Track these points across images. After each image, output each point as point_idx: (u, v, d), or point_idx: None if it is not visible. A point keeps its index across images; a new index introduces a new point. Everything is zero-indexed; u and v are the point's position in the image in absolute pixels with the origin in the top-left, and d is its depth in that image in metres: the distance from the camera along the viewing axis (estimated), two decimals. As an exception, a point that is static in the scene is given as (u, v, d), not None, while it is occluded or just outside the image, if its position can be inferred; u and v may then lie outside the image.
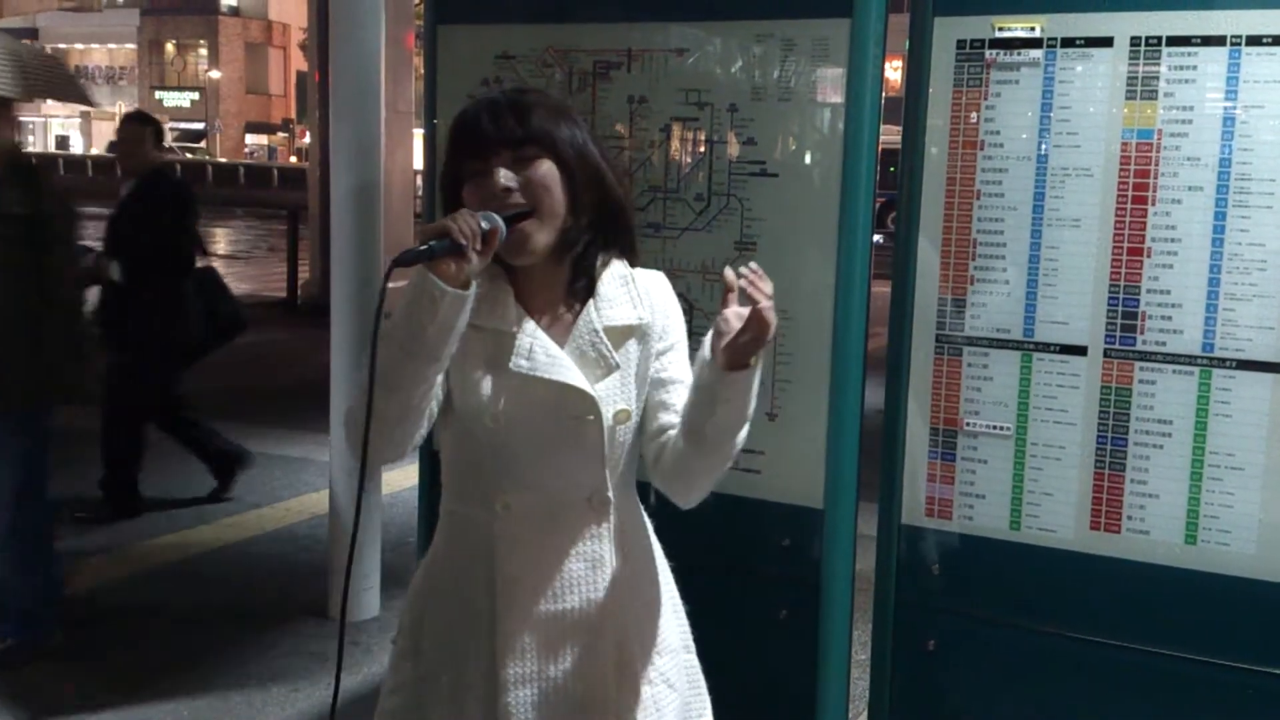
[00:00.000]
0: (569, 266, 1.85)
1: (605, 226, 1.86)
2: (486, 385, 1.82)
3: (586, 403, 1.81)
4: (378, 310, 1.69)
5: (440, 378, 1.78)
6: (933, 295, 2.56)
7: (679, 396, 1.87)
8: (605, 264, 1.87)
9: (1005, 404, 2.52)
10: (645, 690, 1.88)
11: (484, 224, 1.70)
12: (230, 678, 4.03)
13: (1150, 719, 2.46)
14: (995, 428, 2.53)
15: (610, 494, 1.87)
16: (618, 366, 1.84)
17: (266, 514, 5.81)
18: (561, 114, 1.84)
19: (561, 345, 1.83)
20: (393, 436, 1.77)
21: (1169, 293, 2.37)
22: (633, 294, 1.88)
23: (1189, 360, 2.37)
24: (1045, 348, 2.47)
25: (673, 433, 1.86)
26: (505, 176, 1.77)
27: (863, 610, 2.73)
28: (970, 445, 2.56)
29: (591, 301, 1.85)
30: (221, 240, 21.72)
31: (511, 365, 1.80)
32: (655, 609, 1.95)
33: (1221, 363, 2.34)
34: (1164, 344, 2.38)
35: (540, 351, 1.80)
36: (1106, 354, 2.43)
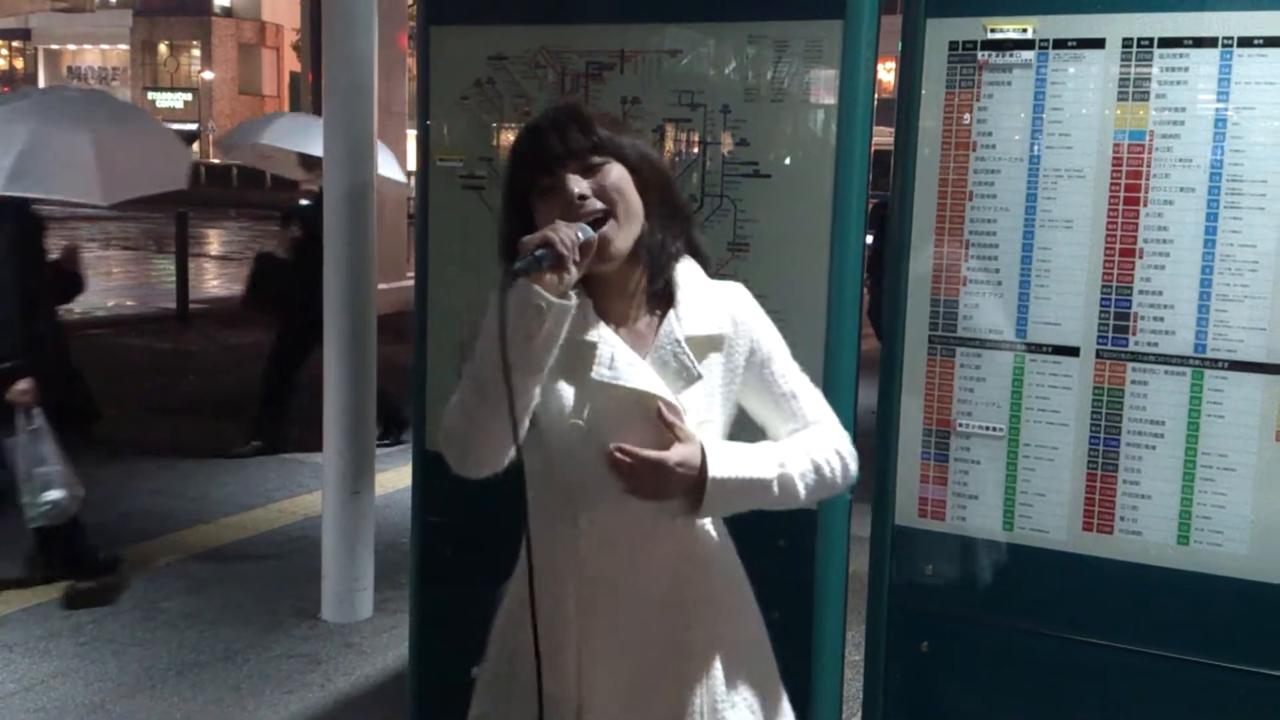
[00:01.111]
0: (645, 270, 1.85)
1: (675, 229, 1.88)
2: (569, 395, 1.81)
3: (670, 412, 1.80)
4: (501, 324, 1.67)
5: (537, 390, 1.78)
6: (925, 296, 2.56)
7: (803, 405, 1.94)
8: (682, 271, 1.88)
9: (998, 405, 2.52)
10: (730, 716, 1.88)
11: (581, 235, 1.72)
12: (223, 679, 4.02)
13: (1142, 719, 2.46)
14: (988, 428, 2.53)
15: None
16: (700, 377, 1.84)
17: (259, 515, 5.81)
18: (618, 124, 1.88)
19: (642, 355, 1.82)
20: (503, 446, 1.77)
21: (1161, 294, 2.37)
22: (713, 305, 1.88)
23: (1181, 361, 2.37)
24: (1038, 348, 2.48)
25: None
26: (579, 184, 1.77)
27: (856, 611, 2.73)
28: (963, 446, 2.56)
29: (672, 311, 1.85)
30: (214, 241, 21.70)
31: (594, 374, 1.79)
32: (741, 632, 1.94)
33: (1213, 363, 2.35)
34: (1156, 345, 2.39)
35: (622, 360, 1.80)
36: (1099, 355, 2.43)
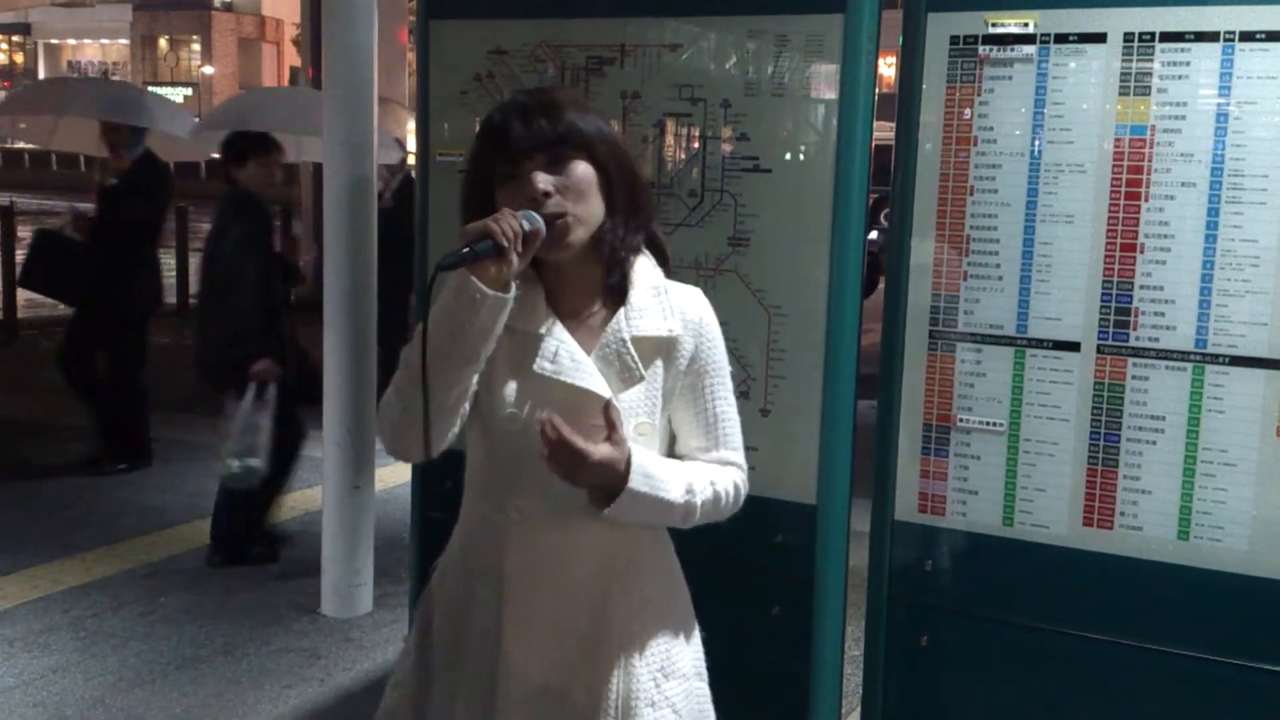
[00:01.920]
0: (603, 264, 1.83)
1: (636, 224, 1.85)
2: (510, 387, 1.81)
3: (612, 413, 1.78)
4: (424, 312, 1.69)
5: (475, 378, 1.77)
6: (926, 291, 2.55)
7: (722, 433, 1.91)
8: (640, 270, 1.86)
9: (998, 400, 2.51)
10: (648, 714, 1.85)
11: (525, 225, 1.70)
12: (223, 673, 4.02)
13: (1143, 715, 2.46)
14: (988, 424, 2.53)
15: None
16: (642, 379, 1.82)
17: (260, 510, 5.80)
18: (592, 113, 1.84)
19: (589, 351, 1.81)
20: (440, 434, 1.77)
21: (1162, 289, 2.37)
22: (665, 306, 1.85)
23: (1182, 356, 2.37)
24: (1038, 344, 2.47)
25: None
26: (543, 180, 1.75)
27: (856, 606, 2.73)
28: (963, 441, 2.56)
29: (623, 310, 1.83)
30: (215, 236, 21.66)
31: (535, 367, 1.78)
32: (667, 631, 1.91)
33: (1214, 359, 2.34)
34: (1157, 340, 2.38)
35: (565, 355, 1.79)
36: (1099, 350, 2.43)
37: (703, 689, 1.98)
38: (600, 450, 1.70)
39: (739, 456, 1.94)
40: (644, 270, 1.87)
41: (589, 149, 1.79)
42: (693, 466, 1.88)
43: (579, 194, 1.77)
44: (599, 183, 1.79)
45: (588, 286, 1.85)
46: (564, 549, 1.84)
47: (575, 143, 1.78)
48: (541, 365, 1.78)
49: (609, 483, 1.73)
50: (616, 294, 1.84)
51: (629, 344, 1.81)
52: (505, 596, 1.83)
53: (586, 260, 1.82)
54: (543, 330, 1.80)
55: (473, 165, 1.84)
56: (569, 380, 1.78)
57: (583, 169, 1.78)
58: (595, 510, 1.75)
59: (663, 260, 1.91)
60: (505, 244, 1.66)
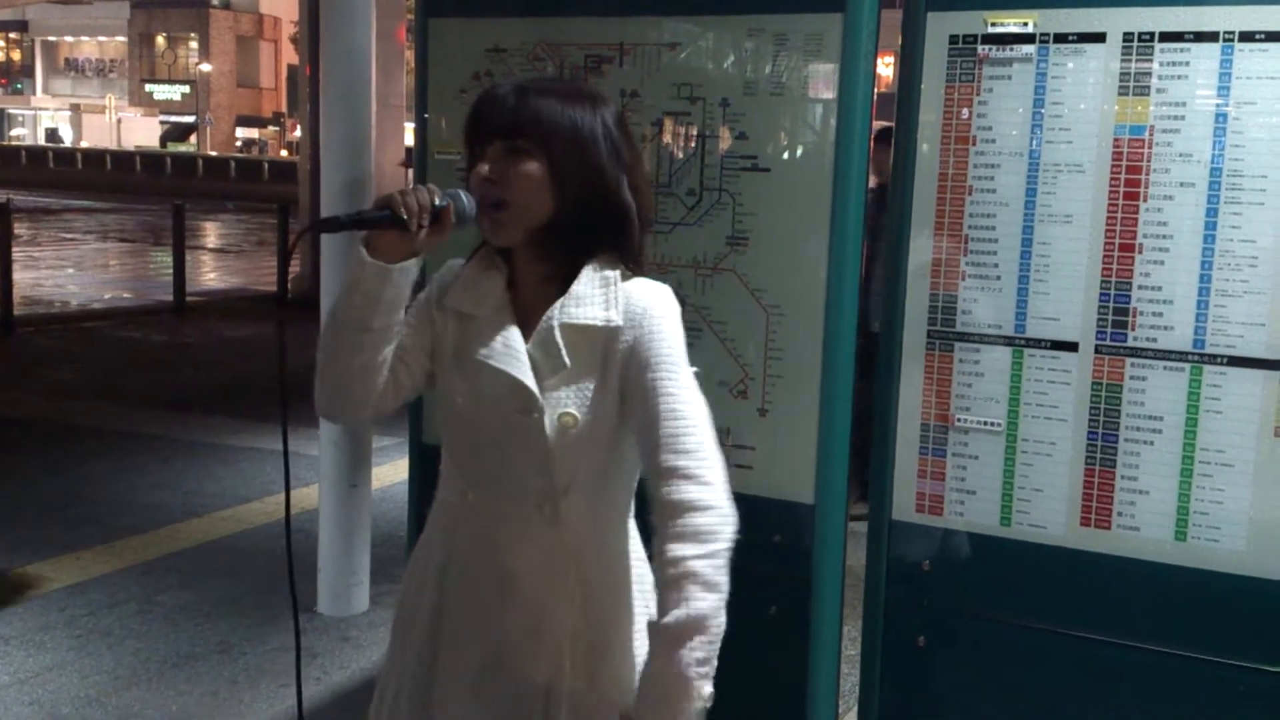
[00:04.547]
0: (550, 261, 1.81)
1: (598, 227, 1.79)
2: (456, 371, 1.84)
3: (527, 399, 1.76)
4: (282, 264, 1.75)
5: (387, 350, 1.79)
6: (924, 290, 2.55)
7: (681, 427, 1.69)
8: (593, 264, 1.79)
9: (996, 400, 2.51)
10: (565, 701, 1.81)
11: (438, 201, 1.69)
12: (219, 672, 4.02)
13: (1140, 715, 2.46)
14: (986, 424, 2.53)
15: (563, 506, 1.80)
16: (565, 366, 1.77)
17: (256, 508, 5.80)
18: (575, 106, 1.78)
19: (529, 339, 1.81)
20: (345, 397, 1.83)
21: (1160, 289, 2.37)
22: (609, 297, 1.77)
23: (1180, 356, 2.37)
24: (1036, 344, 2.47)
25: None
26: (485, 167, 1.76)
27: (853, 606, 2.73)
28: (961, 441, 2.55)
29: (560, 299, 1.78)
30: (211, 234, 21.69)
31: (472, 351, 1.81)
32: (611, 645, 1.85)
33: (1212, 359, 2.34)
34: (1155, 340, 2.38)
35: (499, 341, 1.79)
36: (1097, 350, 2.43)
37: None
38: None
39: (692, 462, 1.67)
40: (603, 266, 1.80)
41: (545, 143, 1.75)
42: (651, 630, 1.70)
43: (520, 186, 1.74)
44: (549, 179, 1.75)
45: (539, 279, 1.82)
46: (507, 539, 1.83)
47: (532, 136, 1.74)
48: (478, 350, 1.80)
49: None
50: (564, 287, 1.80)
51: (556, 331, 1.76)
52: (448, 580, 1.86)
53: (539, 254, 1.81)
54: (488, 315, 1.82)
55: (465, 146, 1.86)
56: (496, 365, 1.78)
57: (530, 165, 1.75)
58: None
59: (636, 264, 1.83)
60: (404, 216, 1.66)
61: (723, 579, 1.67)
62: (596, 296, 1.77)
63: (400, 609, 1.98)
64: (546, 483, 1.80)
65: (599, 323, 1.76)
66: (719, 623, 1.66)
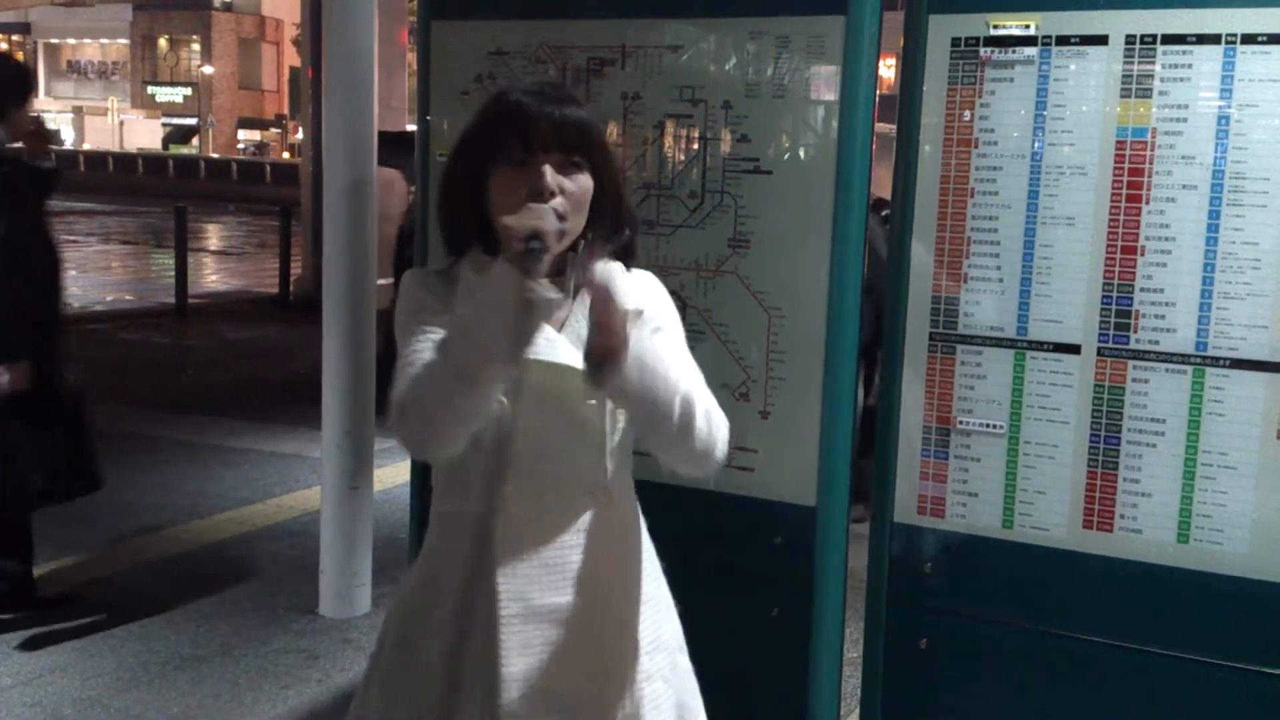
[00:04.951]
0: (559, 259, 1.78)
1: (609, 232, 1.84)
2: None
3: (577, 387, 1.77)
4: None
5: None
6: (927, 293, 2.55)
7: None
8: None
9: (999, 402, 2.51)
10: (645, 688, 1.88)
11: (561, 226, 1.67)
12: (221, 674, 4.02)
13: (1142, 717, 2.46)
14: (989, 426, 2.53)
15: (610, 486, 1.86)
16: None
17: (258, 510, 5.80)
18: (592, 112, 1.84)
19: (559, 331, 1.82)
20: (463, 431, 1.73)
21: (1162, 291, 2.37)
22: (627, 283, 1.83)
23: (1182, 359, 2.37)
24: (1039, 346, 2.47)
25: None
26: (553, 178, 1.74)
27: (855, 608, 2.73)
28: (964, 443, 2.55)
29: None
30: (213, 236, 21.70)
31: None
32: (653, 606, 1.94)
33: (1215, 361, 2.34)
34: (1157, 343, 2.38)
35: (541, 339, 1.77)
36: (1100, 352, 2.43)
37: (685, 663, 2.00)
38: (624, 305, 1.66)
39: (707, 395, 1.82)
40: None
41: (594, 162, 1.78)
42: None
43: (577, 204, 1.76)
44: (592, 198, 1.79)
45: (553, 275, 1.82)
46: (552, 532, 1.84)
47: (589, 154, 1.78)
48: None
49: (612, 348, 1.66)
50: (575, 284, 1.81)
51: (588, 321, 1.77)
52: (500, 587, 1.82)
53: (559, 254, 1.79)
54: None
55: (474, 139, 1.81)
56: (545, 358, 1.77)
57: (586, 180, 1.77)
58: (600, 382, 1.67)
59: (630, 259, 1.89)
60: (552, 245, 1.63)
61: (691, 406, 1.74)
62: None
63: (425, 626, 1.91)
64: (600, 466, 1.84)
65: (630, 306, 1.77)
66: (670, 382, 1.71)
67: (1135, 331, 2.40)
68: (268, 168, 36.85)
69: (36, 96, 5.65)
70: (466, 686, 1.85)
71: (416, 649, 1.91)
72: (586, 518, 1.86)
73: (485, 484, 1.84)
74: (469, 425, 1.73)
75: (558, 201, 1.73)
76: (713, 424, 1.81)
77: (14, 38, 56.05)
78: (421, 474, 3.18)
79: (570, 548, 1.85)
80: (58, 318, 4.37)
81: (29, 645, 4.17)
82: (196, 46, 53.25)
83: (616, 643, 1.87)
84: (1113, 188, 2.39)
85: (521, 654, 1.82)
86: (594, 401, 1.80)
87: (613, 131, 2.81)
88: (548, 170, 1.74)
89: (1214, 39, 2.29)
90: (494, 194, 1.77)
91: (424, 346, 1.75)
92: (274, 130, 53.94)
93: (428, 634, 1.90)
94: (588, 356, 1.65)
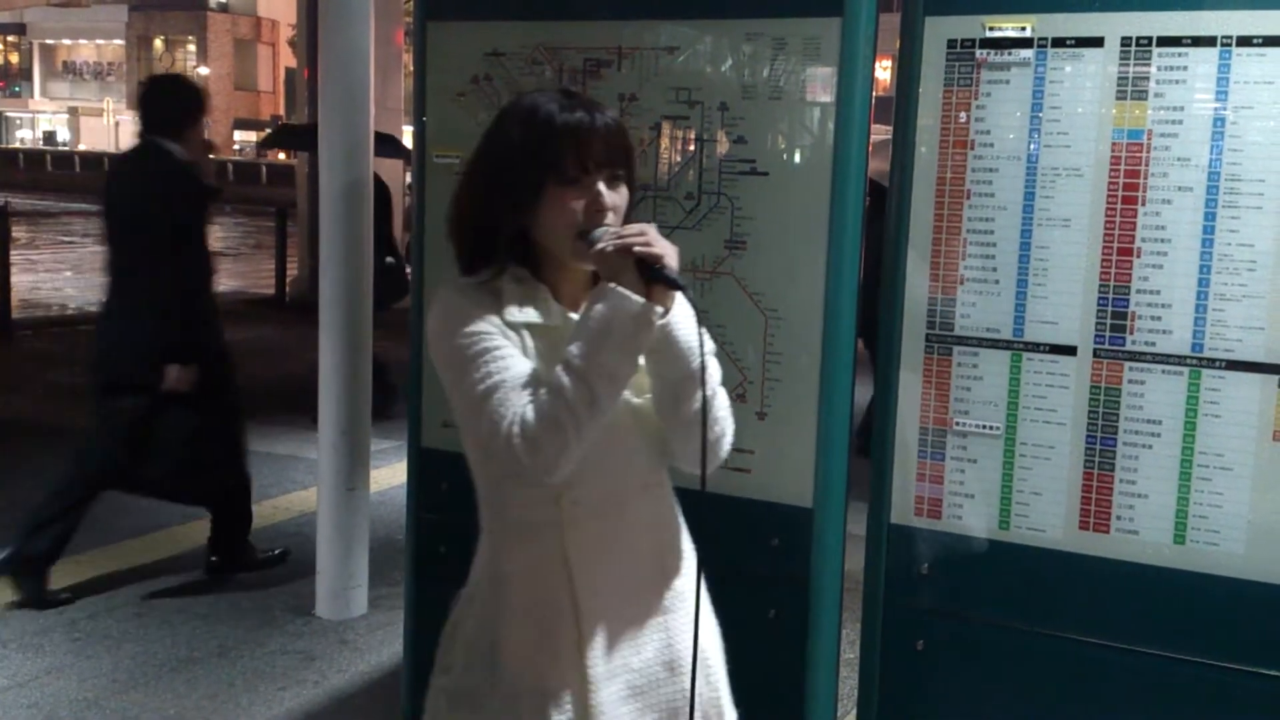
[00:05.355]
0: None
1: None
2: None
3: (643, 383, 1.85)
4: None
5: None
6: (923, 294, 2.55)
7: None
8: None
9: (995, 404, 2.51)
10: (719, 678, 1.99)
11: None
12: (218, 675, 4.02)
13: (1139, 719, 2.46)
14: (985, 427, 2.53)
15: (663, 480, 1.93)
16: None
17: (254, 511, 5.78)
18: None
19: None
20: (586, 446, 1.77)
21: (1158, 293, 2.37)
22: None
23: (1178, 360, 2.37)
24: (1035, 347, 2.47)
25: None
26: (610, 198, 1.81)
27: (851, 610, 2.73)
28: (960, 445, 2.55)
29: None
30: (209, 236, 21.65)
31: None
32: (706, 593, 2.00)
33: (1211, 363, 2.35)
34: (1153, 344, 2.38)
35: None
36: (1096, 354, 2.43)
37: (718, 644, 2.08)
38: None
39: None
40: None
41: (631, 175, 1.88)
42: None
43: (620, 216, 1.84)
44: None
45: (583, 280, 1.89)
46: (620, 529, 1.89)
47: (630, 168, 1.87)
48: None
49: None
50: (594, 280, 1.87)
51: None
52: (579, 592, 1.84)
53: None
54: (561, 320, 1.84)
55: (521, 155, 1.82)
56: None
57: (625, 192, 1.86)
58: (653, 308, 1.72)
59: None
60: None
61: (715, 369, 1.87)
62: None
63: (511, 645, 1.89)
64: (654, 462, 1.91)
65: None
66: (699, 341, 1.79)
67: (1131, 333, 2.40)
68: (264, 168, 36.79)
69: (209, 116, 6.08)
70: (554, 688, 1.85)
71: (505, 672, 1.89)
72: (648, 514, 1.92)
73: (552, 492, 1.84)
74: (592, 439, 1.77)
75: (610, 219, 1.81)
76: (727, 410, 1.91)
77: (9, 38, 56.02)
78: (418, 476, 3.18)
79: (639, 545, 1.91)
80: (219, 324, 4.73)
81: (26, 647, 4.17)
82: (192, 47, 53.21)
83: (687, 629, 1.92)
84: (1108, 189, 2.39)
85: (607, 656, 1.86)
86: (648, 396, 1.85)
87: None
88: (604, 189, 1.81)
89: (1209, 41, 2.29)
90: (546, 211, 1.81)
91: (501, 368, 1.77)
92: (270, 131, 53.84)
93: (516, 656, 1.88)
94: (643, 265, 1.71)
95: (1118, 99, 2.37)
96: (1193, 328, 2.35)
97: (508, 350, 1.79)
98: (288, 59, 47.28)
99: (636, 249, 1.72)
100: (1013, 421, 2.50)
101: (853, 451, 2.71)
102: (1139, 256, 2.38)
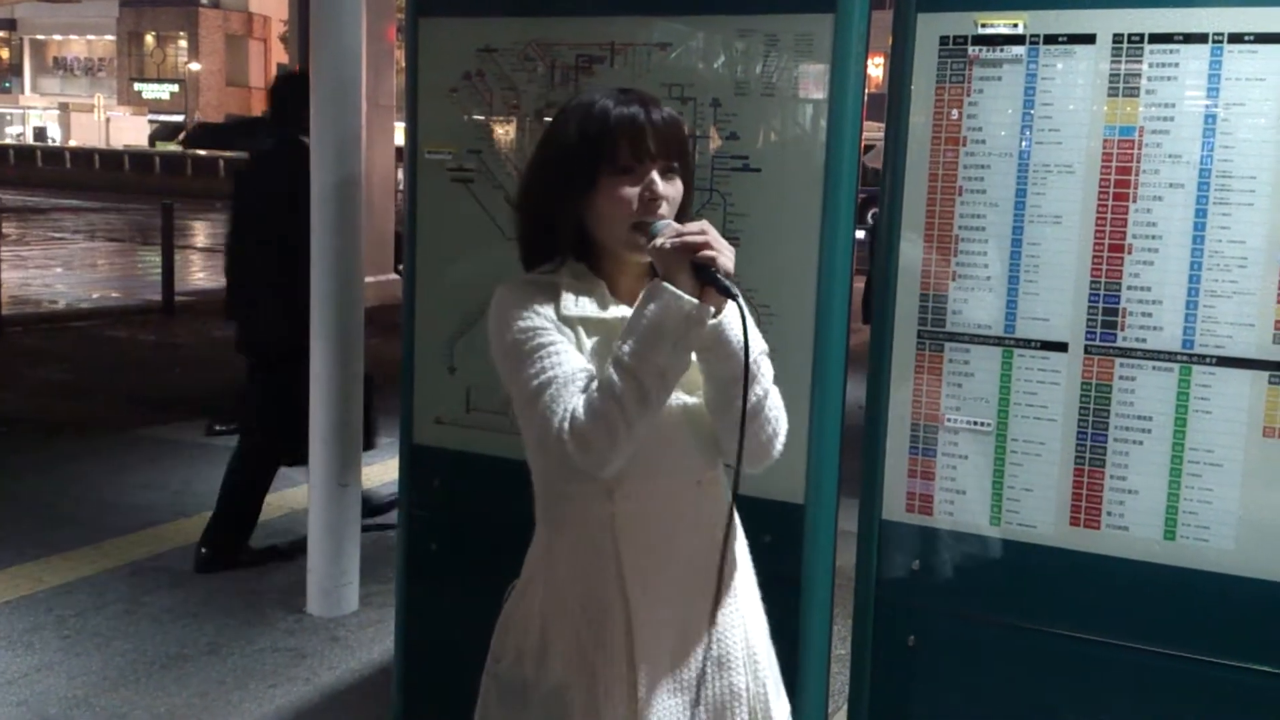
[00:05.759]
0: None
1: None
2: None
3: (695, 381, 1.85)
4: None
5: None
6: (915, 291, 2.56)
7: None
8: None
9: (986, 400, 2.52)
10: (767, 673, 1.98)
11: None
12: (208, 672, 4.01)
13: (1129, 715, 2.47)
14: (976, 423, 2.53)
15: (716, 478, 1.94)
16: None
17: (247, 509, 5.78)
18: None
19: None
20: (637, 442, 1.79)
21: (1149, 289, 2.38)
22: None
23: (1169, 357, 2.37)
24: (1026, 344, 2.48)
25: None
26: (664, 188, 1.83)
27: (843, 606, 2.73)
28: (951, 441, 2.56)
29: None
30: (200, 234, 21.62)
31: None
32: (755, 586, 2.02)
33: (1201, 359, 2.35)
34: (1144, 340, 2.39)
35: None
36: (1087, 350, 2.43)
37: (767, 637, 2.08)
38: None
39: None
40: None
41: (686, 170, 1.89)
42: None
43: (674, 209, 1.85)
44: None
45: (639, 274, 1.89)
46: (673, 520, 1.90)
47: (686, 159, 1.89)
48: None
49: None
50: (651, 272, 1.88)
51: None
52: (629, 586, 1.85)
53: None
54: (615, 315, 1.85)
55: (577, 149, 1.84)
56: None
57: (680, 185, 1.87)
58: (706, 310, 1.74)
59: None
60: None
61: (772, 393, 1.93)
62: None
63: (560, 638, 1.91)
64: (708, 457, 1.92)
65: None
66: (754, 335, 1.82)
67: (1122, 329, 2.40)
68: (257, 166, 36.57)
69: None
70: (608, 689, 1.86)
71: (553, 664, 1.90)
72: (700, 510, 1.92)
73: (601, 483, 1.84)
74: (642, 435, 1.78)
75: (664, 209, 1.82)
76: (781, 409, 1.94)
77: (0, 34, 55.81)
78: (410, 473, 3.17)
79: (691, 541, 1.91)
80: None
81: (15, 644, 4.16)
82: (183, 43, 53.10)
83: (744, 635, 1.94)
84: (1100, 186, 2.39)
85: (659, 656, 1.86)
86: (700, 394, 1.86)
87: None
88: (658, 180, 1.82)
89: (1201, 38, 2.30)
90: (601, 199, 1.83)
91: (554, 364, 1.79)
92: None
93: (566, 648, 1.89)
94: (699, 264, 1.72)
95: (1109, 96, 2.37)
96: (1183, 324, 2.35)
97: (561, 346, 1.81)
98: (280, 55, 47.24)
99: (700, 254, 1.72)
100: (1004, 418, 2.51)
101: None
102: (1130, 253, 2.38)
